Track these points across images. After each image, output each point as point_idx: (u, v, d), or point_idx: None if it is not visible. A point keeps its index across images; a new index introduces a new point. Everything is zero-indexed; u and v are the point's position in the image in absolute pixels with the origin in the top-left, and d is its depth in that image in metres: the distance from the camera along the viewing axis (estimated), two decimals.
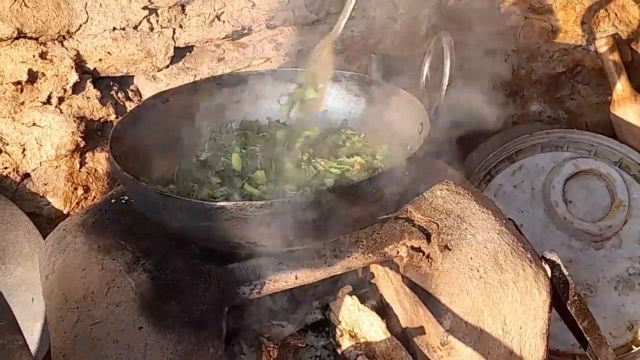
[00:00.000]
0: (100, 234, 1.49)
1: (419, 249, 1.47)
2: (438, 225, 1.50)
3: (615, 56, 2.17)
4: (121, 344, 1.35)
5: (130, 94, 2.00)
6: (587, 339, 1.56)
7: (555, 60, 2.26)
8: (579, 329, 1.56)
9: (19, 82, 1.85)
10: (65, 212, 1.95)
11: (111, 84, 1.98)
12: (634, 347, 2.07)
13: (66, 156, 1.92)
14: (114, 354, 1.35)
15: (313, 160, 1.59)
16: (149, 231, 1.49)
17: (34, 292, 1.78)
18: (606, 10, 2.19)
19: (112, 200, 1.62)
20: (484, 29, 2.16)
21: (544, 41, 2.30)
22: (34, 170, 1.93)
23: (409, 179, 1.45)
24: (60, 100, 1.90)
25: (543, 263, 1.51)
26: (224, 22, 1.97)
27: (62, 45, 1.86)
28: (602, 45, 2.17)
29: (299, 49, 2.05)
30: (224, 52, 2.05)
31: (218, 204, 1.31)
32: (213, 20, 1.96)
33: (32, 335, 1.82)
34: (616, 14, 2.21)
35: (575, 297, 1.52)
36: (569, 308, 1.52)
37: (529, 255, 1.50)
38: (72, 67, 1.87)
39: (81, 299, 1.42)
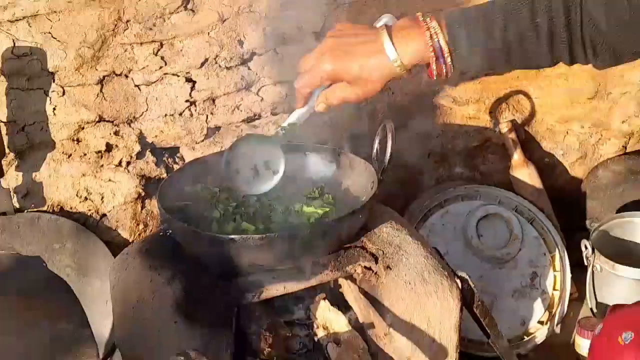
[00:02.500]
0: (151, 257, 1.65)
1: (369, 268, 1.62)
2: (383, 252, 1.66)
3: (513, 135, 2.42)
4: (162, 333, 1.52)
5: (176, 159, 2.15)
6: (489, 331, 1.73)
7: (472, 138, 2.43)
8: (483, 325, 1.73)
9: (99, 151, 2.03)
10: (130, 240, 2.10)
11: (163, 152, 2.14)
12: (525, 337, 2.25)
13: (131, 202, 2.09)
14: (157, 341, 1.53)
15: (297, 208, 1.70)
16: (183, 255, 1.63)
17: (106, 298, 1.79)
18: (507, 103, 2.39)
19: (160, 233, 1.74)
20: (422, 116, 2.36)
21: (463, 124, 2.44)
22: (109, 211, 2.09)
23: (363, 220, 1.65)
24: (128, 163, 2.07)
25: (456, 278, 1.66)
26: (241, 110, 2.14)
27: (130, 126, 2.05)
28: (503, 127, 2.42)
29: None
30: (241, 130, 2.17)
31: (229, 236, 1.49)
32: (234, 110, 2.13)
33: (104, 329, 1.88)
34: (514, 106, 2.41)
35: (479, 302, 1.69)
36: (475, 310, 1.70)
37: (446, 273, 1.66)
38: (136, 141, 2.07)
39: (135, 303, 1.59)
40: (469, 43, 1.44)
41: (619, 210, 2.41)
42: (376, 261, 1.65)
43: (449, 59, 1.45)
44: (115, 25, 1.91)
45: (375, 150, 1.75)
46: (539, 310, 2.28)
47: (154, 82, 2.02)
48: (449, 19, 1.45)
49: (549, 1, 1.46)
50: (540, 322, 2.28)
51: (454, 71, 1.49)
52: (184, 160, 2.10)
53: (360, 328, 1.65)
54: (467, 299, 1.70)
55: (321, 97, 1.51)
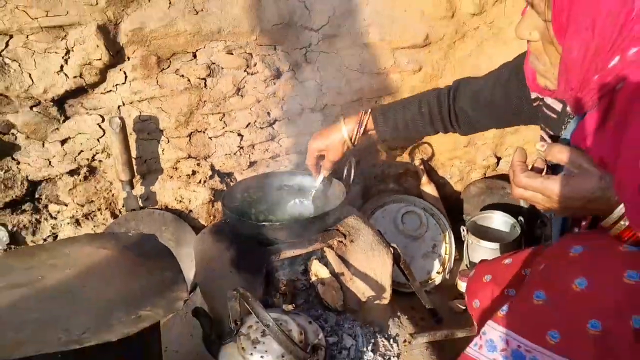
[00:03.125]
0: (217, 234, 1.63)
1: (341, 241, 1.61)
2: (349, 232, 1.64)
3: (422, 166, 2.40)
4: (223, 278, 1.51)
5: (232, 179, 2.08)
6: (409, 277, 1.72)
7: (399, 167, 2.39)
8: (405, 274, 1.72)
9: (188, 174, 1.98)
10: (205, 225, 2.01)
11: (224, 175, 2.07)
12: (429, 281, 2.22)
13: (206, 204, 2.01)
14: (220, 282, 1.51)
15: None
16: (236, 234, 1.60)
17: (191, 257, 1.75)
18: (418, 148, 2.36)
19: (222, 221, 1.73)
20: (371, 156, 2.34)
21: (393, 160, 2.41)
22: (193, 209, 2.01)
23: (338, 214, 1.64)
24: (204, 181, 2.01)
25: (390, 247, 1.66)
26: (269, 152, 2.07)
27: (205, 160, 1.99)
28: (417, 162, 2.40)
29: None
30: (269, 163, 2.10)
31: (262, 223, 1.55)
32: (264, 151, 2.07)
33: (189, 275, 1.82)
34: (422, 150, 2.38)
35: (403, 261, 1.68)
36: (401, 265, 1.69)
37: (384, 244, 1.65)
38: (209, 169, 2.00)
39: (208, 260, 1.59)
40: (384, 123, 1.51)
41: (481, 209, 2.41)
42: (345, 237, 1.63)
43: (369, 131, 1.59)
44: (198, 104, 1.89)
45: (344, 174, 1.75)
46: (437, 265, 2.26)
47: (219, 135, 1.99)
48: (374, 111, 1.58)
49: (428, 98, 1.55)
50: (438, 272, 2.27)
51: (377, 138, 1.61)
52: (236, 180, 2.07)
53: (335, 275, 1.63)
54: (396, 259, 1.68)
55: (322, 167, 1.65)
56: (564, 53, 0.95)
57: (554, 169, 1.08)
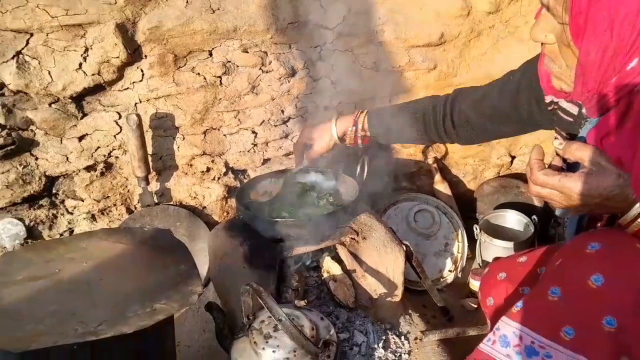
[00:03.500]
0: (230, 230, 1.62)
1: (354, 238, 1.58)
2: (362, 229, 1.61)
3: (435, 165, 2.37)
4: (237, 273, 1.51)
5: (245, 176, 2.08)
6: (421, 275, 1.71)
7: (412, 166, 2.36)
8: (417, 272, 1.71)
9: (202, 171, 1.98)
10: (219, 221, 2.02)
11: (238, 172, 2.07)
12: (441, 279, 2.19)
13: (220, 200, 2.02)
14: (234, 277, 1.51)
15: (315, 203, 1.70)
16: (249, 230, 1.59)
17: (205, 252, 1.78)
18: (432, 147, 2.30)
19: (236, 217, 1.70)
20: (385, 153, 2.31)
21: (407, 158, 2.37)
22: (207, 205, 2.03)
23: (350, 211, 1.63)
24: (218, 178, 2.01)
25: (402, 245, 1.63)
26: (282, 149, 2.06)
27: (220, 157, 2.00)
28: (430, 160, 2.36)
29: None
30: (282, 161, 2.09)
31: (275, 219, 1.54)
32: (278, 149, 2.06)
33: (202, 270, 1.83)
34: (435, 149, 2.33)
35: (415, 258, 1.66)
36: (413, 263, 1.67)
37: (397, 241, 1.63)
38: (223, 165, 2.01)
39: (222, 256, 1.58)
40: (377, 124, 1.53)
41: (494, 208, 2.39)
42: (358, 234, 1.62)
43: (360, 132, 1.62)
44: (213, 101, 1.89)
45: (357, 172, 1.76)
46: (449, 264, 2.25)
47: (234, 133, 1.99)
48: (369, 113, 1.61)
49: (424, 103, 1.57)
50: (450, 271, 2.25)
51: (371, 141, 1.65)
52: (250, 177, 2.07)
53: (347, 272, 1.63)
54: (409, 256, 1.67)
55: (305, 156, 1.69)
56: (581, 55, 0.94)
57: (570, 167, 1.08)
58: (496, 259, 1.52)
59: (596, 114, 1.02)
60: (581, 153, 0.99)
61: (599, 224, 1.12)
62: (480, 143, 1.74)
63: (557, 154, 1.07)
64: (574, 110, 1.18)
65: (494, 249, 2.17)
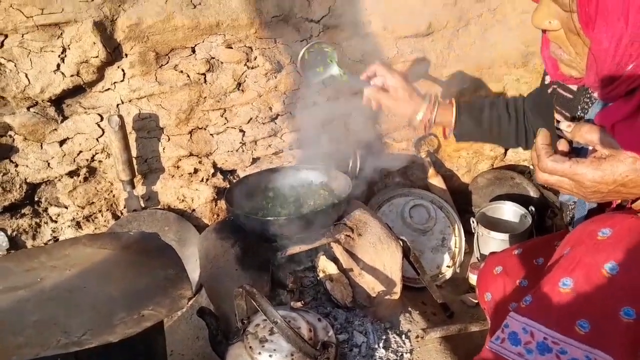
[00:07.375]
0: (221, 232, 1.61)
1: (349, 235, 1.59)
2: (357, 226, 1.61)
3: (428, 158, 2.36)
4: (228, 276, 1.49)
5: (234, 176, 2.05)
6: (419, 271, 1.72)
7: (404, 160, 2.34)
8: (415, 268, 1.72)
9: (190, 173, 1.95)
10: (209, 224, 1.99)
11: (227, 172, 2.05)
12: (439, 275, 2.17)
13: (209, 202, 2.00)
14: (226, 280, 1.49)
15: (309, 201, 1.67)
16: (240, 231, 1.59)
17: (196, 257, 1.77)
18: (424, 140, 2.30)
19: (226, 219, 1.72)
20: (379, 150, 2.28)
21: (399, 152, 2.34)
22: (196, 208, 2.00)
23: (344, 207, 1.63)
24: (207, 180, 1.99)
25: (399, 240, 1.65)
26: (271, 147, 2.03)
27: (207, 158, 1.97)
28: (423, 154, 2.35)
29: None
30: (272, 159, 2.07)
31: (267, 218, 1.51)
32: (267, 147, 2.03)
33: (193, 275, 1.80)
34: (428, 142, 2.30)
35: (413, 254, 1.70)
36: (410, 259, 1.70)
37: (393, 237, 1.64)
38: (211, 166, 1.98)
39: (213, 258, 1.56)
40: (468, 117, 1.46)
41: (490, 200, 2.38)
42: (353, 231, 1.62)
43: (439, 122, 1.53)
44: (198, 100, 1.85)
45: (349, 167, 1.77)
46: (447, 259, 2.23)
47: (221, 132, 1.96)
48: (460, 104, 1.53)
49: (515, 100, 1.50)
50: (448, 266, 2.23)
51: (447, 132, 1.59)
52: (239, 177, 2.06)
53: (344, 270, 1.61)
54: (406, 252, 1.68)
55: (370, 91, 1.50)
56: (593, 44, 0.91)
57: (576, 152, 1.02)
58: (492, 253, 1.49)
59: (610, 101, 0.98)
60: (591, 135, 0.93)
61: (607, 209, 1.08)
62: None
63: (562, 137, 1.02)
64: (573, 86, 1.15)
65: (491, 241, 2.15)
